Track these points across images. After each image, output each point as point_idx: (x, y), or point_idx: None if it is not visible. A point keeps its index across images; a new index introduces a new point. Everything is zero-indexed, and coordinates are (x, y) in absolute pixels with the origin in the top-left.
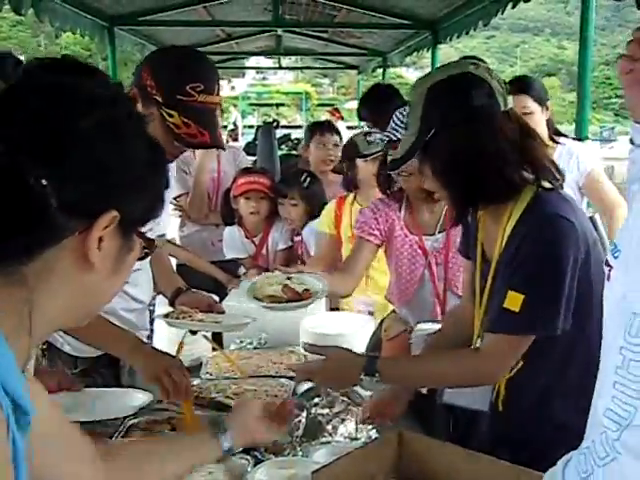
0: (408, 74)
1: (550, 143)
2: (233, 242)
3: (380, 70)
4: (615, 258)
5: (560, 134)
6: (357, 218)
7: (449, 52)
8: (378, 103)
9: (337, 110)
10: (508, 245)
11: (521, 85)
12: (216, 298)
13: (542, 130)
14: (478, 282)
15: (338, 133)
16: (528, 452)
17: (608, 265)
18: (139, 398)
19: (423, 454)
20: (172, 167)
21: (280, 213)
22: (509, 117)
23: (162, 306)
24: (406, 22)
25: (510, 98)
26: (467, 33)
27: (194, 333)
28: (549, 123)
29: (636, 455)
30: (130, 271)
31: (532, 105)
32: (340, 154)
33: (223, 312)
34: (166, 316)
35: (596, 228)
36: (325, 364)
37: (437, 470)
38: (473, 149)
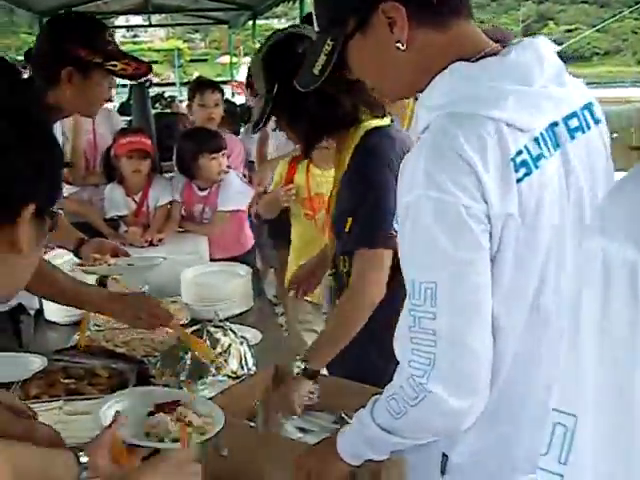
0: (280, 25)
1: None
2: (114, 200)
3: (251, 22)
4: (397, 224)
5: None
6: None
7: None
8: None
9: (240, 84)
10: (341, 181)
11: None
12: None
13: None
14: None
15: (220, 91)
16: None
17: (395, 231)
18: (34, 362)
19: None
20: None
21: (214, 169)
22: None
23: None
24: None
25: None
26: None
27: (105, 278)
28: None
29: (445, 386)
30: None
31: None
32: (221, 112)
33: (128, 255)
34: (80, 265)
35: None
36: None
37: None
38: (307, 96)
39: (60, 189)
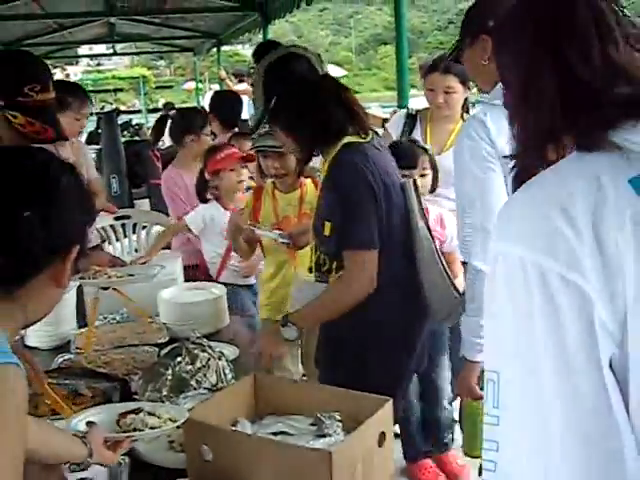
0: (244, 51)
1: (459, 121)
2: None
3: (215, 49)
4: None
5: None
6: None
7: (284, 27)
8: None
9: (203, 109)
10: (322, 187)
11: (448, 66)
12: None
13: (459, 109)
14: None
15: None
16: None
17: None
18: None
19: (275, 391)
20: None
21: None
22: (327, 79)
23: None
24: (235, 5)
25: (436, 75)
26: (290, 12)
27: (106, 289)
28: (465, 102)
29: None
30: None
31: (456, 85)
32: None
33: (124, 265)
34: (81, 278)
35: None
36: (259, 340)
37: (288, 403)
38: (304, 105)
39: (88, 232)
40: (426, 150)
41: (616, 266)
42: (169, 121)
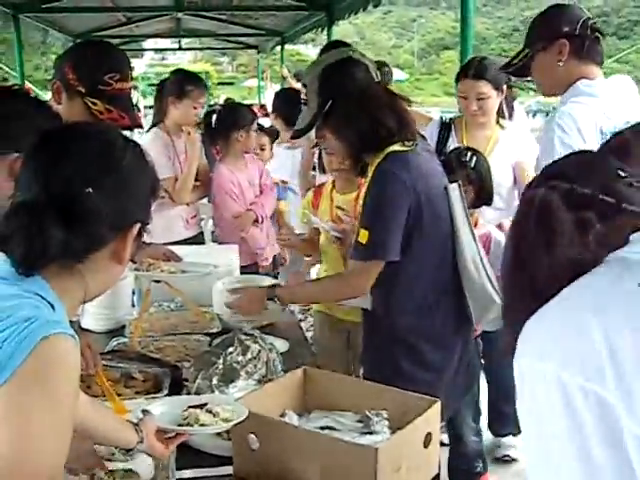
0: (307, 51)
1: (495, 127)
2: None
3: (279, 48)
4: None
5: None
6: None
7: (347, 28)
8: None
9: (263, 107)
10: (365, 194)
11: (479, 70)
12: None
13: (494, 114)
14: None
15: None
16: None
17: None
18: None
19: (324, 386)
20: None
21: None
22: (380, 86)
23: None
24: (301, 4)
25: (467, 81)
26: (356, 13)
27: (158, 282)
28: (500, 106)
29: None
30: None
31: (489, 90)
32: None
33: (180, 260)
34: (136, 269)
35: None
36: (241, 299)
37: (337, 399)
38: (360, 111)
39: (151, 211)
40: (465, 165)
41: (634, 373)
42: (214, 117)
